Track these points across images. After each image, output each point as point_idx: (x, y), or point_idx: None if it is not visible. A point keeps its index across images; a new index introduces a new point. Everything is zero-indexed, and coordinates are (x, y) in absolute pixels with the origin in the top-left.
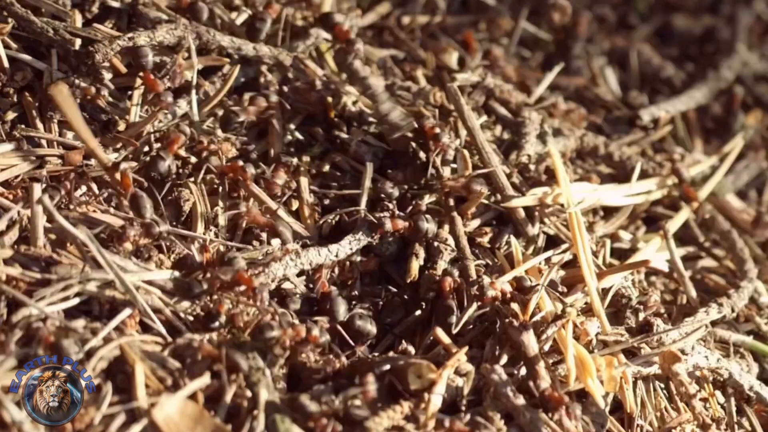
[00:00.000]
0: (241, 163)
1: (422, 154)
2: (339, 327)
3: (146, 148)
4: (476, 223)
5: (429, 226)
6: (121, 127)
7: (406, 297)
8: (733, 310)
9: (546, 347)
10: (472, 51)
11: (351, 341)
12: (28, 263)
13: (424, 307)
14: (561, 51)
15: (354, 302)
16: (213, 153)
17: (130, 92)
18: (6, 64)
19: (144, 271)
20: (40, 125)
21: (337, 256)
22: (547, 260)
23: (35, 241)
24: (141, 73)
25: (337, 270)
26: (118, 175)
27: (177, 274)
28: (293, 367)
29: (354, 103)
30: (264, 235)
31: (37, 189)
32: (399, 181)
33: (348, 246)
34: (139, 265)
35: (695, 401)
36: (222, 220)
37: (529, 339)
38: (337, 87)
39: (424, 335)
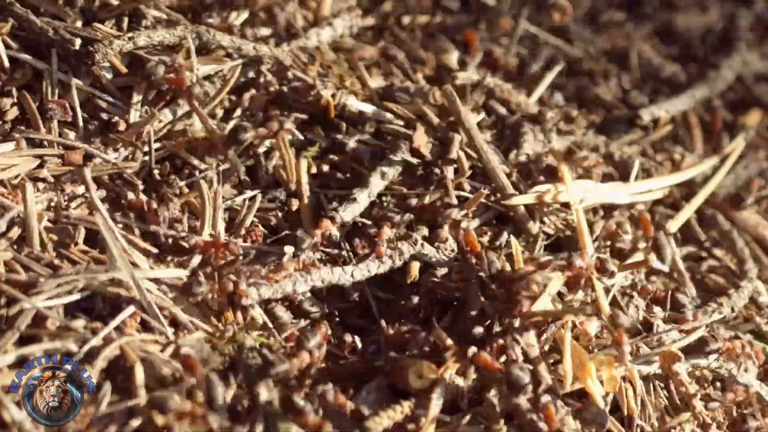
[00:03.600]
0: None
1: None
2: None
3: (146, 149)
4: (476, 223)
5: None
6: (122, 127)
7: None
8: (733, 310)
9: (546, 347)
10: (474, 51)
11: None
12: (29, 263)
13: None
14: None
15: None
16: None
17: (130, 92)
18: (6, 63)
19: (150, 269)
20: (40, 125)
21: (352, 277)
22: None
23: (31, 242)
24: None
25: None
26: None
27: (183, 272)
28: None
29: (353, 102)
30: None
31: (30, 189)
32: (399, 182)
33: (366, 269)
34: (148, 264)
35: (695, 401)
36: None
37: (531, 339)
38: (336, 87)
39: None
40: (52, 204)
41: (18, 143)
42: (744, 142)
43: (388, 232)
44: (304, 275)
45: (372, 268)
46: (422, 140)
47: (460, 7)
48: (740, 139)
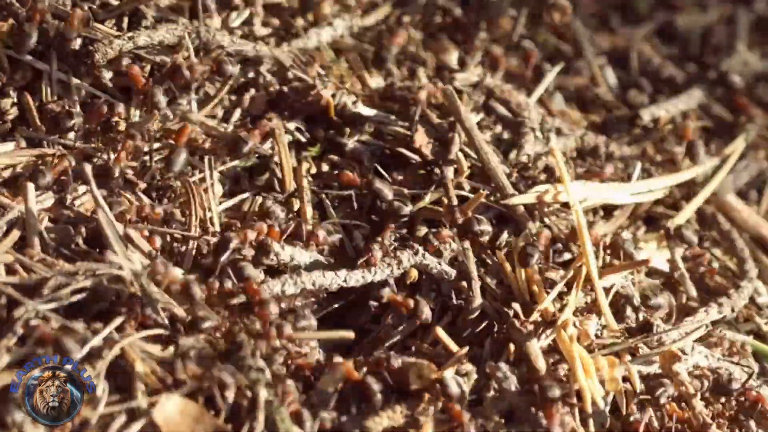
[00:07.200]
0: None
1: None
2: None
3: (146, 149)
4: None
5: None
6: (122, 127)
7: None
8: (733, 310)
9: (545, 347)
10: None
11: None
12: (29, 263)
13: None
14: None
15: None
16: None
17: (130, 92)
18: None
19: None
20: (40, 125)
21: (346, 282)
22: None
23: (31, 242)
24: None
25: None
26: None
27: (181, 271)
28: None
29: (354, 103)
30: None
31: (30, 189)
32: (399, 182)
33: (361, 276)
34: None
35: (695, 401)
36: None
37: (533, 340)
38: (336, 87)
39: (424, 335)
40: (53, 204)
41: (18, 143)
42: (744, 142)
43: (387, 238)
44: (294, 277)
45: (368, 277)
46: (422, 140)
47: (460, 7)
48: (740, 139)
